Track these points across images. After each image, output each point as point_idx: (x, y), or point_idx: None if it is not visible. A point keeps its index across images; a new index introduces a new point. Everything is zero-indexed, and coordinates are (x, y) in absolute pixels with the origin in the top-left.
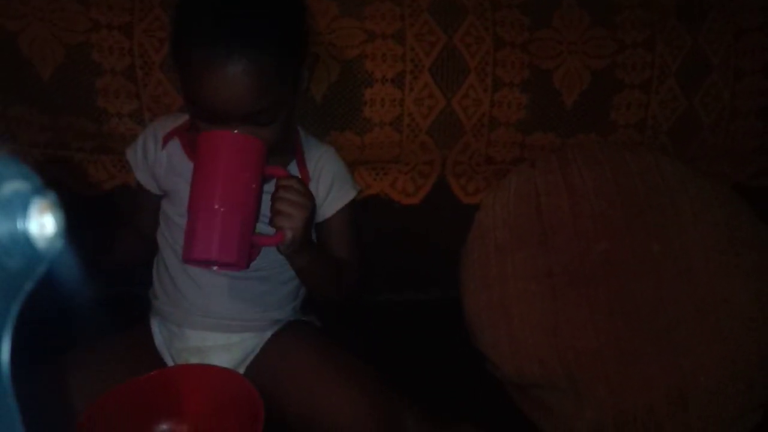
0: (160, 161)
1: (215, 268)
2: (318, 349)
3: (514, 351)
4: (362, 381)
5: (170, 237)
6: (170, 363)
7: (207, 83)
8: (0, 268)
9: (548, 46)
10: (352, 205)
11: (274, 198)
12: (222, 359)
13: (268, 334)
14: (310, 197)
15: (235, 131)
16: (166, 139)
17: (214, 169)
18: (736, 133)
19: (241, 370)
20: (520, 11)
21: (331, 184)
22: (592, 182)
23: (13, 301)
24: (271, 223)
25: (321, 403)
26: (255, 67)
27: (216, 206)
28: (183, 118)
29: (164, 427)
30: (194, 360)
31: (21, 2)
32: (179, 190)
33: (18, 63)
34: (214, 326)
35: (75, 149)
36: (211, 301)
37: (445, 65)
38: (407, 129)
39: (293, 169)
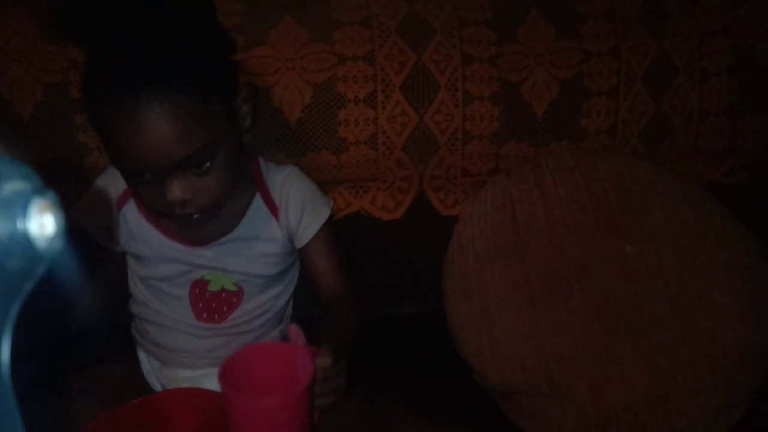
0: (117, 224)
1: None
2: None
3: (496, 358)
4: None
5: (148, 296)
6: (159, 389)
7: (124, 138)
8: (0, 268)
9: (515, 59)
10: (330, 222)
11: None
12: (212, 384)
13: None
14: (340, 379)
15: (263, 402)
16: (120, 203)
17: None
18: (706, 134)
19: None
20: (487, 27)
21: (301, 209)
22: (564, 189)
23: (13, 301)
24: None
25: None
26: (169, 109)
27: None
28: None
29: None
30: (185, 386)
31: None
32: (146, 256)
33: None
34: (204, 364)
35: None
36: (202, 346)
37: (416, 83)
38: (382, 146)
39: (257, 203)
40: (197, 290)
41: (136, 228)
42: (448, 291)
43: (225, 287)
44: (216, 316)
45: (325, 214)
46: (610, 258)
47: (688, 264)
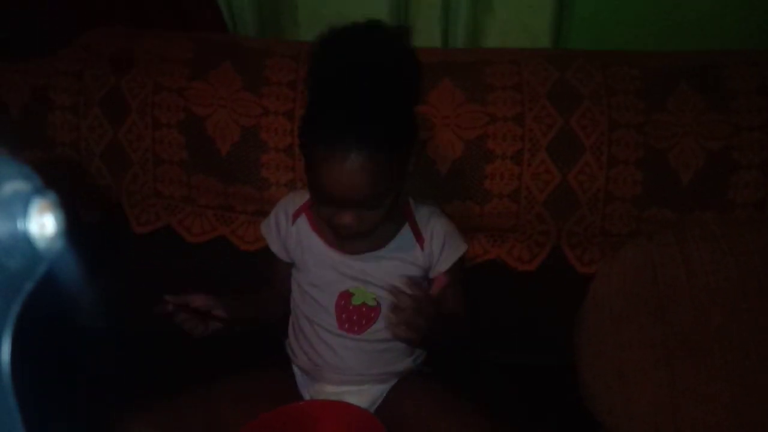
0: (290, 235)
1: None
2: (434, 394)
3: (630, 417)
4: (476, 419)
5: (303, 305)
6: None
7: (328, 175)
8: (0, 268)
9: (663, 127)
10: (463, 261)
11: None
12: (354, 400)
13: (393, 382)
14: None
15: None
16: (296, 216)
17: None
18: None
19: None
20: (635, 96)
21: (444, 241)
22: (709, 256)
23: (13, 301)
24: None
25: None
26: (370, 164)
27: None
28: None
29: None
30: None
31: (208, 94)
32: (307, 262)
33: (203, 141)
34: (347, 381)
35: (239, 212)
36: (343, 360)
37: (562, 144)
38: (524, 201)
39: (406, 230)
40: (342, 302)
41: (304, 237)
42: (582, 346)
43: (366, 302)
44: (356, 328)
45: (462, 249)
46: (754, 328)
47: None
